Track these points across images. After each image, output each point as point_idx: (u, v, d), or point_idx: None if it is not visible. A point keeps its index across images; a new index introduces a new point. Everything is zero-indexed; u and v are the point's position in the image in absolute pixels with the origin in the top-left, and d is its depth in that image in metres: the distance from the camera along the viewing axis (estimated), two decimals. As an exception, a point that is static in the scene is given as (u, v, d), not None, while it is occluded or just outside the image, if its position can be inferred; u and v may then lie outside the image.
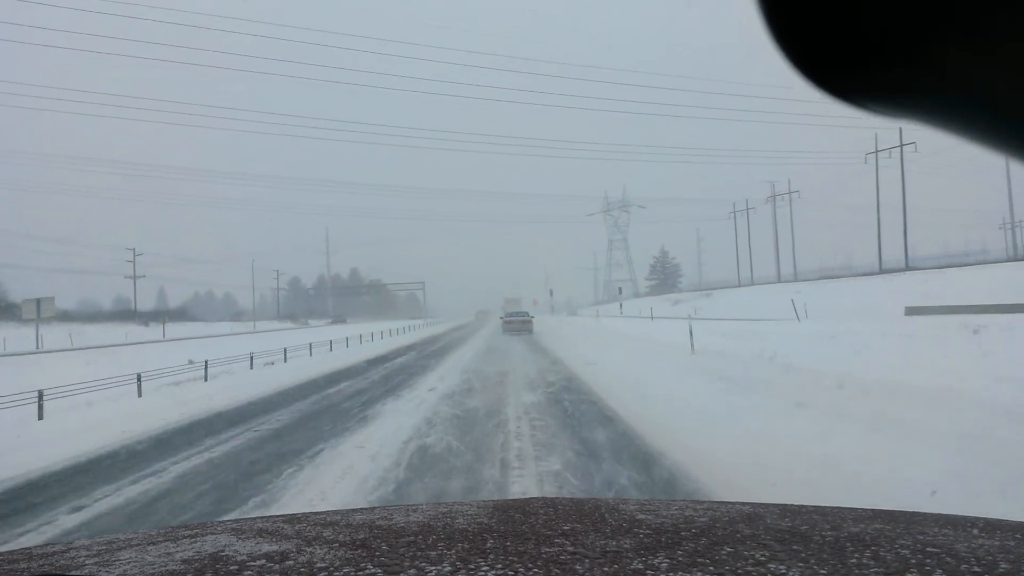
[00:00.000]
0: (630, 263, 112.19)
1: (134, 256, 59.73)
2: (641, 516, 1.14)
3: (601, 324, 37.19)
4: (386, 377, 13.36)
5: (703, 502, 1.30)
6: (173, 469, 5.49)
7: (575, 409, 7.87)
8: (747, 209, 72.83)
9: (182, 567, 0.90)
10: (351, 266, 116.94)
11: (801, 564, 0.84)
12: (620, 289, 65.76)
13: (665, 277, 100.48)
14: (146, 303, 73.67)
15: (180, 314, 68.76)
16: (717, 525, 1.06)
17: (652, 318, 38.05)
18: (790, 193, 63.24)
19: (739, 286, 64.24)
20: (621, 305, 66.14)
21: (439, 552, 0.93)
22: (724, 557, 0.86)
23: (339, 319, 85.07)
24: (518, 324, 33.49)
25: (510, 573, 0.83)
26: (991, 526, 1.05)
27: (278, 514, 1.40)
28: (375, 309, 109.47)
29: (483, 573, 0.83)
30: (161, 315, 58.37)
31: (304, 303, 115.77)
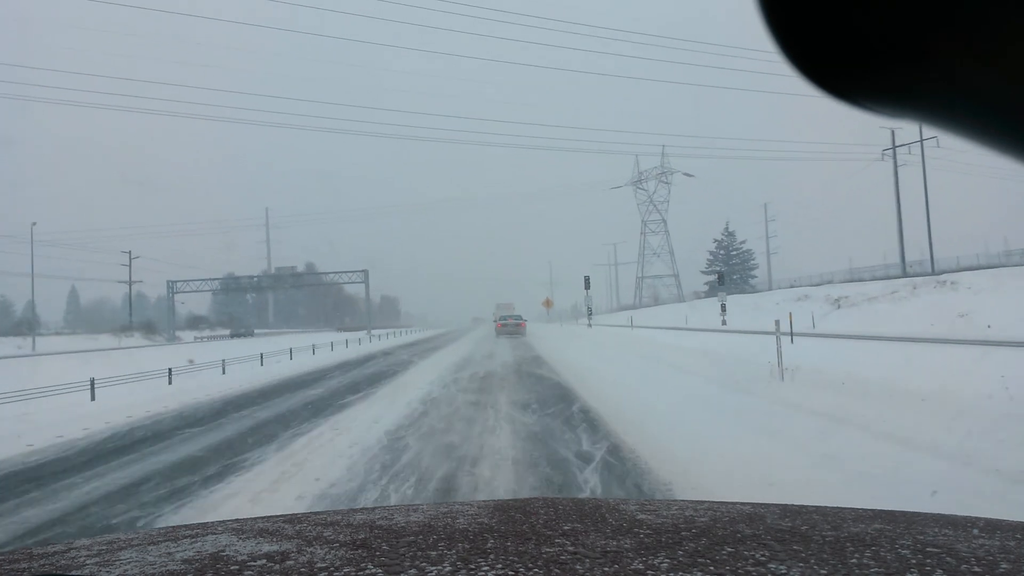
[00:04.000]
0: (671, 254, 79.72)
1: None
2: (641, 516, 1.17)
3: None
4: None
5: (703, 502, 1.32)
6: None
7: None
8: (922, 140, 41.44)
9: (183, 567, 0.94)
10: (307, 260, 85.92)
11: (801, 564, 0.86)
12: (720, 277, 32.94)
13: (730, 269, 67.24)
14: None
15: None
16: (717, 525, 1.08)
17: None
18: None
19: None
20: (724, 308, 29.79)
21: (440, 552, 0.96)
22: (725, 557, 0.90)
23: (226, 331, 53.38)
24: (511, 327, 38.00)
25: (511, 573, 0.85)
26: (991, 526, 1.08)
27: (279, 514, 1.41)
28: (328, 313, 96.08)
29: (484, 573, 0.85)
30: None
31: (239, 305, 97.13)
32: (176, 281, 61.88)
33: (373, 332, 56.43)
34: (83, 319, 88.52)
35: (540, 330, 45.40)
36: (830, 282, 49.57)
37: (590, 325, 40.44)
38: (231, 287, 63.12)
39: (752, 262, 73.19)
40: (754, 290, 69.44)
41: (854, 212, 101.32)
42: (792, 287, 53.13)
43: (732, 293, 66.64)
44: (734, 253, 74.16)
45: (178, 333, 62.82)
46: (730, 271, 74.21)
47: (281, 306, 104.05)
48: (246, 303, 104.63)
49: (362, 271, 63.65)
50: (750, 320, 36.77)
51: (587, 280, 42.50)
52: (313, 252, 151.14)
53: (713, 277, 74.93)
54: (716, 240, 74.68)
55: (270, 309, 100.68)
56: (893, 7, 0.30)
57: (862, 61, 0.33)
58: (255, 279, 63.77)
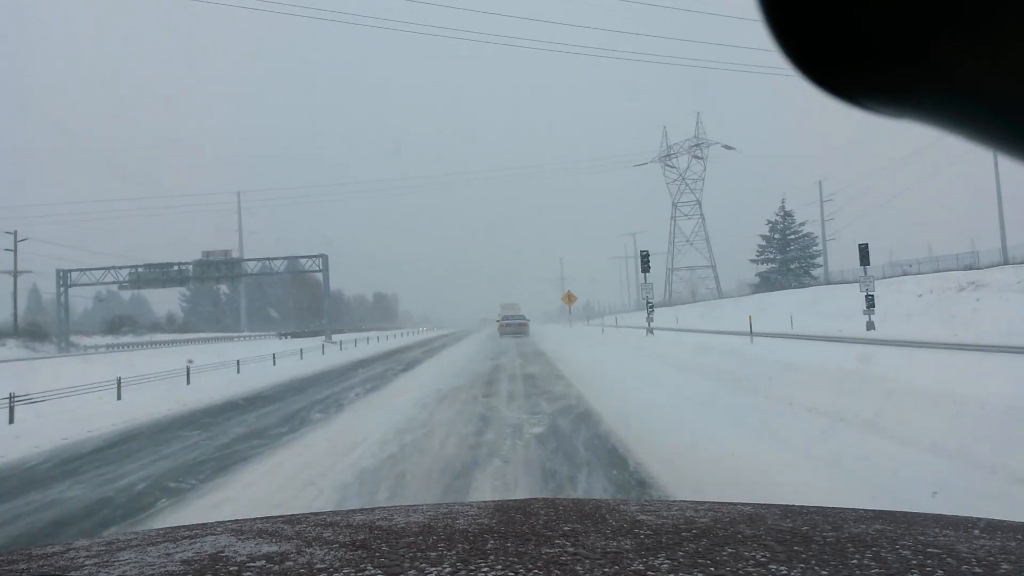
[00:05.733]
0: (708, 241, 66.54)
1: None
2: (642, 517, 1.17)
3: None
4: None
5: (704, 503, 1.33)
6: None
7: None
8: None
9: (182, 568, 0.96)
10: (290, 252, 71.34)
11: (802, 565, 0.88)
12: (863, 251, 15.60)
13: (787, 257, 52.78)
14: None
15: None
16: (718, 526, 1.10)
17: None
18: None
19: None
20: (870, 303, 7.90)
21: (439, 553, 0.98)
22: (725, 558, 0.91)
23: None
24: (515, 327, 38.34)
25: (510, 574, 0.87)
26: (992, 527, 1.09)
27: (278, 515, 1.42)
28: (303, 313, 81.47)
29: (483, 574, 0.87)
30: None
31: (213, 303, 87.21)
32: (71, 271, 47.36)
33: (340, 337, 42.53)
34: (51, 320, 75.01)
35: (566, 339, 29.14)
36: (970, 266, 35.40)
37: (650, 331, 24.49)
38: (144, 278, 47.93)
39: (815, 248, 59.22)
40: (816, 282, 55.32)
41: (906, 198, 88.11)
42: (906, 275, 39.10)
43: (795, 287, 52.46)
44: (791, 238, 60.30)
45: (78, 338, 48.63)
46: (786, 259, 60.30)
47: (256, 305, 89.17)
48: (219, 300, 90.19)
49: (319, 256, 48.87)
50: (897, 323, 22.24)
51: (644, 259, 25.83)
52: (303, 248, 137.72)
53: (766, 267, 61.05)
54: (770, 222, 61.21)
55: (242, 308, 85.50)
56: (893, 7, 0.30)
57: (862, 61, 0.33)
58: (176, 268, 47.99)
